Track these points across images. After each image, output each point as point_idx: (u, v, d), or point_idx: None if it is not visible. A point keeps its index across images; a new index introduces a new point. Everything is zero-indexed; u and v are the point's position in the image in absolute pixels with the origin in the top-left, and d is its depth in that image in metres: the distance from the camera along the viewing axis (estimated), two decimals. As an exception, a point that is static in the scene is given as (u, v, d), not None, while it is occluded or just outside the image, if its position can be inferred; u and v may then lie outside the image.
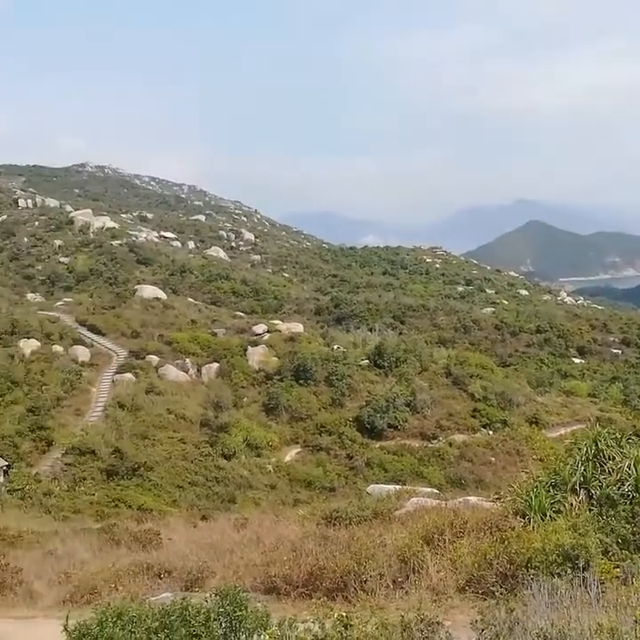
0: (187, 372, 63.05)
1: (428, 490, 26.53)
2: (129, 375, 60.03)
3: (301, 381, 61.10)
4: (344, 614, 8.75)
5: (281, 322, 79.42)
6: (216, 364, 64.31)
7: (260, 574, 15.20)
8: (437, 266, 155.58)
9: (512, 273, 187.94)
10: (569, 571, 11.90)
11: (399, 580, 14.16)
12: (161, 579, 16.04)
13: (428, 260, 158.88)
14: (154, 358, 63.58)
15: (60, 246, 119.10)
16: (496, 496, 21.19)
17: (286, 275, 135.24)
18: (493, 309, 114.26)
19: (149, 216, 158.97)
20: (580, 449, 17.66)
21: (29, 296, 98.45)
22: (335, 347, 70.10)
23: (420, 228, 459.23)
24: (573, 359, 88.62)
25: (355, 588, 13.75)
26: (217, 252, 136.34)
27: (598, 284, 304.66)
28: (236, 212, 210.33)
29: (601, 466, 16.87)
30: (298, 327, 76.37)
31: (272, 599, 13.89)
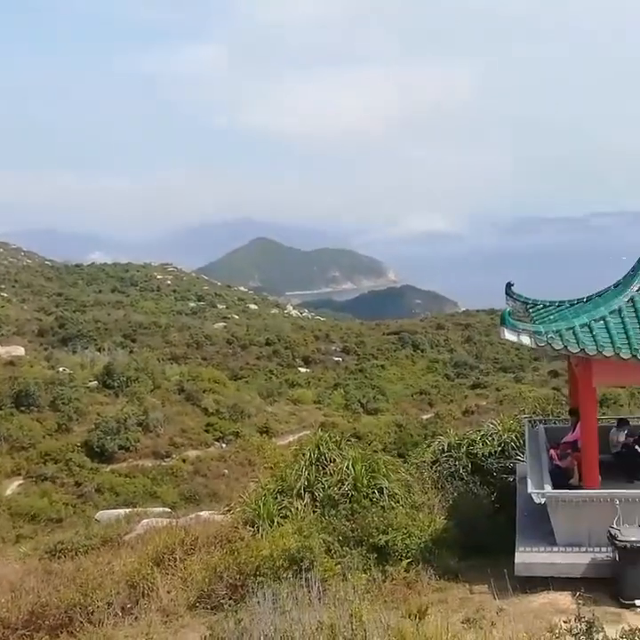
0: None
1: (160, 509, 26.06)
2: None
3: (23, 408, 57.02)
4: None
5: (-2, 345, 73.72)
6: None
7: (-28, 623, 13.80)
8: (169, 282, 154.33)
9: (242, 288, 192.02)
10: (294, 573, 12.31)
11: (128, 606, 13.70)
12: None
13: (158, 277, 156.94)
14: None
15: None
16: (227, 508, 21.40)
17: (4, 294, 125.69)
18: (225, 324, 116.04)
19: None
20: (304, 454, 18.44)
21: None
22: (61, 369, 66.53)
23: (150, 245, 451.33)
24: (300, 369, 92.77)
25: (81, 622, 13.06)
26: None
27: (321, 297, 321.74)
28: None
29: (323, 468, 17.76)
30: (18, 350, 71.52)
31: (-13, 648, 12.70)
